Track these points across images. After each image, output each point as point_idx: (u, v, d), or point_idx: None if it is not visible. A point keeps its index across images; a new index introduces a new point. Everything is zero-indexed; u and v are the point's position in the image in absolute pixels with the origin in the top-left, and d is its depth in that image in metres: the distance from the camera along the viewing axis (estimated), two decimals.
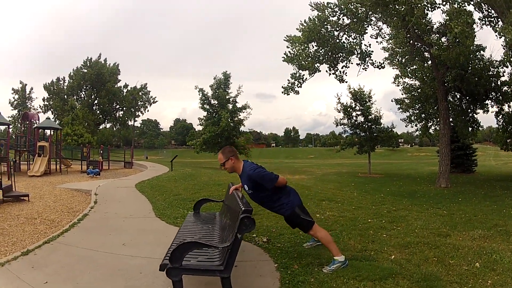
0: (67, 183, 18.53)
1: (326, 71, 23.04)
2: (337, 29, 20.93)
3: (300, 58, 21.29)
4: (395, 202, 13.04)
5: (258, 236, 7.33)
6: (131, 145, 57.21)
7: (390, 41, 24.72)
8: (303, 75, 22.42)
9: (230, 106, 43.31)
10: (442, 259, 5.97)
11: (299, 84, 22.64)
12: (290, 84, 22.78)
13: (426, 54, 23.57)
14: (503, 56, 23.25)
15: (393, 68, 27.38)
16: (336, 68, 22.96)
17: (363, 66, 23.16)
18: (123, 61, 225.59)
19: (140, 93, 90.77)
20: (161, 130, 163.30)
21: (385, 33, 23.51)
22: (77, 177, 22.50)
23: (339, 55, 22.28)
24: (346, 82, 23.92)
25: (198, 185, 15.54)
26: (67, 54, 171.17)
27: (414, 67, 26.58)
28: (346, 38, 21.79)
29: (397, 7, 18.28)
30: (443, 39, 21.62)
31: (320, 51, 21.63)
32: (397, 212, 10.34)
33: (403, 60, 25.89)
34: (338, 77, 23.35)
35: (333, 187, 18.55)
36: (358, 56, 22.71)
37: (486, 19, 19.24)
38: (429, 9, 19.28)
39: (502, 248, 6.59)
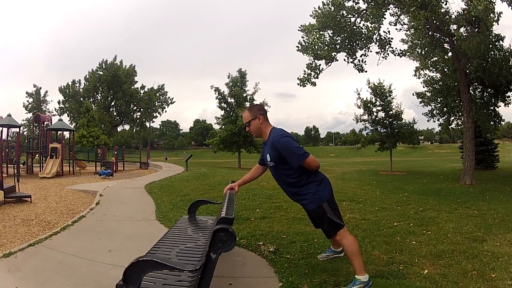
0: (76, 184, 18.12)
1: (344, 59, 22.01)
2: (354, 14, 19.96)
3: (316, 47, 20.32)
4: (421, 201, 12.21)
5: (265, 244, 6.26)
6: (148, 146, 56.89)
7: (409, 32, 23.71)
8: (319, 65, 21.43)
9: (247, 104, 42.49)
10: (482, 272, 5.03)
11: (316, 75, 21.55)
12: (306, 75, 21.69)
13: (446, 45, 22.56)
14: None
15: (413, 60, 26.28)
16: (354, 57, 21.88)
17: (383, 54, 22.15)
18: (145, 63, 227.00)
19: (157, 94, 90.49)
20: (181, 131, 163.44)
21: (403, 20, 22.46)
22: (89, 178, 22.23)
23: (357, 42, 21.24)
24: (366, 71, 22.56)
25: (210, 185, 14.68)
26: (83, 58, 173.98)
27: (435, 59, 25.47)
28: (363, 24, 20.80)
29: None
30: (462, 29, 20.77)
31: (337, 39, 20.66)
32: (425, 213, 9.45)
33: (423, 52, 24.77)
34: (357, 66, 22.24)
35: (354, 186, 17.61)
36: (377, 43, 21.71)
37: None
38: None
39: None
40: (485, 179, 22.01)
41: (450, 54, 23.19)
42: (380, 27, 20.58)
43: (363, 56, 22.04)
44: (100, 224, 8.38)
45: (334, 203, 4.68)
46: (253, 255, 5.84)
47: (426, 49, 24.00)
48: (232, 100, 43.17)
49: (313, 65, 21.33)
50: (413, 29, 22.53)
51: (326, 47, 20.37)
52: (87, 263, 5.54)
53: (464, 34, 20.16)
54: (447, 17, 20.09)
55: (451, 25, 20.50)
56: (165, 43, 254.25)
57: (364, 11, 19.75)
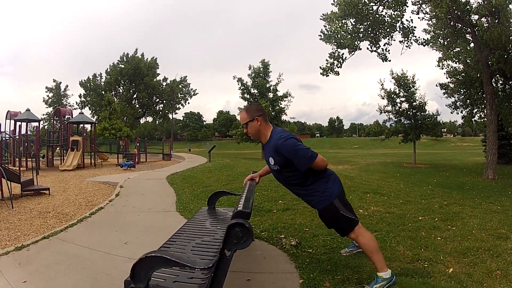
0: (97, 176, 18.20)
1: (368, 48, 21.89)
2: (376, 2, 19.73)
3: (338, 35, 20.13)
4: (445, 195, 11.91)
5: (287, 237, 6.09)
6: (170, 137, 57.16)
7: (431, 22, 23.34)
8: (343, 54, 21.29)
9: (271, 95, 42.56)
10: (506, 272, 4.84)
11: (339, 64, 21.48)
12: (329, 65, 21.58)
13: (468, 36, 22.29)
14: None
15: (435, 51, 25.86)
16: (378, 45, 21.72)
17: (407, 43, 22.03)
18: (168, 57, 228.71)
19: (180, 86, 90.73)
20: (204, 122, 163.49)
21: (425, 9, 22.08)
22: (111, 170, 22.31)
23: (380, 31, 21.01)
24: (390, 61, 22.53)
25: (232, 176, 14.47)
26: (103, 53, 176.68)
27: (457, 49, 25.04)
28: (385, 12, 20.56)
29: None
30: (483, 20, 20.24)
31: (359, 27, 20.43)
32: (449, 208, 9.16)
33: (445, 43, 24.35)
34: (380, 55, 22.12)
35: (377, 177, 17.40)
36: (401, 32, 21.47)
37: None
38: None
39: None
40: (507, 174, 21.85)
41: (472, 45, 22.83)
42: (403, 15, 20.33)
43: (386, 45, 21.90)
44: (118, 216, 8.33)
45: (345, 198, 4.42)
46: (274, 248, 5.68)
47: (448, 39, 23.61)
48: (255, 91, 43.08)
49: (336, 54, 21.16)
50: (435, 19, 22.17)
51: (349, 36, 20.20)
52: (101, 256, 5.46)
53: (485, 25, 19.75)
54: (468, 7, 19.73)
55: (472, 15, 20.14)
56: (188, 37, 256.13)
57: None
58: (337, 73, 21.52)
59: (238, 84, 43.15)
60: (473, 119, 29.16)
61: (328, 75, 21.61)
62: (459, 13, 19.12)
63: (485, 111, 22.14)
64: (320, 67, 21.66)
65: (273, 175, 4.64)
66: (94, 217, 8.09)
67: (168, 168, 21.17)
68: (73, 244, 6.05)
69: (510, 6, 18.14)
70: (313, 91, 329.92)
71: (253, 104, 4.48)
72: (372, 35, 20.90)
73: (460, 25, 21.26)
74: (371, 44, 21.52)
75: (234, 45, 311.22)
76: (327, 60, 21.48)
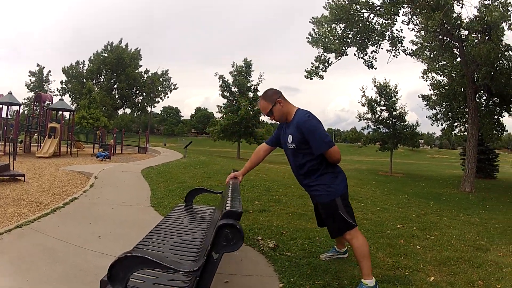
0: (73, 165, 17.88)
1: (354, 54, 21.85)
2: (367, 9, 19.71)
3: (326, 39, 20.06)
4: (422, 205, 11.95)
5: (264, 239, 5.98)
6: (147, 130, 56.82)
7: (419, 34, 23.47)
8: (329, 58, 21.21)
9: (251, 94, 42.59)
10: (488, 283, 4.85)
11: (324, 68, 21.30)
12: (314, 68, 21.42)
13: (455, 50, 22.55)
14: None
15: (421, 62, 26.06)
16: (365, 52, 21.72)
17: (394, 52, 22.08)
18: (151, 49, 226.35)
19: (161, 79, 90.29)
20: (182, 118, 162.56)
21: (416, 21, 22.21)
22: (86, 160, 22.13)
23: (369, 38, 21.06)
24: (375, 68, 22.51)
25: (208, 173, 14.38)
26: (89, 40, 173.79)
27: (443, 62, 25.24)
28: (376, 20, 20.61)
29: None
30: (473, 35, 20.51)
31: (348, 33, 20.44)
32: (427, 217, 9.18)
33: (432, 55, 24.60)
34: (367, 62, 22.12)
35: (353, 184, 17.33)
36: (389, 41, 21.57)
37: None
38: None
39: None
40: (484, 188, 22.07)
41: (458, 59, 23.05)
42: (394, 24, 20.43)
43: (373, 52, 21.91)
44: (92, 207, 8.13)
45: (348, 200, 4.35)
46: (251, 250, 5.56)
47: (435, 52, 23.82)
48: (236, 90, 43.06)
49: (322, 58, 21.09)
50: (423, 31, 22.33)
51: (337, 40, 20.15)
52: (74, 250, 5.24)
53: (475, 40, 20.01)
54: (459, 22, 19.91)
55: (462, 30, 20.38)
56: (172, 30, 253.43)
57: (378, 7, 19.53)
58: (322, 77, 21.44)
59: (219, 81, 43.16)
60: (453, 132, 29.49)
61: (312, 78, 21.52)
62: (449, 27, 19.26)
63: (467, 125, 22.41)
64: (305, 70, 21.56)
65: (288, 159, 4.55)
66: (68, 207, 7.88)
67: (143, 162, 21.14)
68: (46, 235, 5.82)
69: (503, 24, 18.30)
70: (292, 93, 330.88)
71: (267, 90, 4.30)
72: (360, 41, 20.94)
73: (448, 39, 21.50)
74: (359, 51, 21.57)
75: (219, 42, 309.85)
76: (312, 63, 21.40)
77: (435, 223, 8.47)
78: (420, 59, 25.02)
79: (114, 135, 31.79)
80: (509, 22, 17.66)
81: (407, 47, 22.55)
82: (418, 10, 18.97)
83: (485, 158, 31.88)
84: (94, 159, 22.63)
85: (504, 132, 28.06)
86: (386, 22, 20.04)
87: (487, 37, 18.55)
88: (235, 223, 2.69)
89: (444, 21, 18.35)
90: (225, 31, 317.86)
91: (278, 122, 4.58)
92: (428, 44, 23.62)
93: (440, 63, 25.31)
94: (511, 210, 13.54)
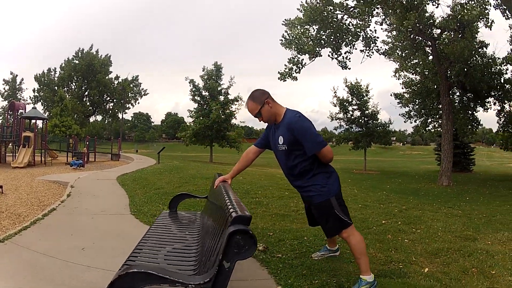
0: (48, 174, 17.63)
1: (328, 55, 21.97)
2: (342, 10, 19.85)
3: (299, 41, 20.14)
4: (402, 200, 12.07)
5: None
6: (119, 137, 56.28)
7: (390, 34, 23.77)
8: (302, 59, 21.26)
9: (222, 97, 42.48)
10: (482, 270, 5.00)
11: (298, 70, 21.36)
12: (287, 70, 21.47)
13: (427, 48, 22.88)
14: (509, 52, 22.91)
15: (392, 61, 26.34)
16: (339, 53, 21.86)
17: (368, 52, 22.33)
18: (121, 54, 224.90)
19: (131, 85, 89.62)
20: (153, 123, 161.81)
21: (390, 20, 22.41)
22: (60, 169, 21.70)
23: (343, 38, 21.23)
24: (349, 69, 22.73)
25: (184, 179, 14.37)
26: (61, 46, 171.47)
27: (415, 61, 25.69)
28: (350, 22, 20.86)
29: None
30: (446, 34, 21.05)
31: (323, 34, 20.51)
32: (410, 212, 9.32)
33: (403, 54, 24.82)
34: (341, 63, 22.29)
35: None
36: (363, 41, 21.79)
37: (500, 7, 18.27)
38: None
39: None
40: (462, 181, 22.35)
41: (431, 57, 23.45)
42: (369, 25, 20.69)
43: (347, 53, 22.10)
44: (71, 218, 7.88)
45: (342, 199, 4.28)
46: None
47: (406, 51, 24.08)
48: (206, 93, 42.79)
49: (296, 59, 21.14)
50: (395, 31, 22.58)
51: (311, 42, 20.22)
52: (58, 264, 4.99)
53: (447, 39, 20.45)
54: (431, 21, 20.23)
55: (435, 29, 20.69)
56: (143, 35, 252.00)
57: (352, 8, 19.71)
58: (295, 78, 21.52)
59: (190, 86, 42.66)
60: (427, 128, 30.13)
61: (286, 80, 21.58)
62: (421, 26, 19.47)
63: (441, 121, 22.66)
64: (279, 72, 21.61)
65: (278, 161, 4.45)
66: (47, 219, 7.62)
67: (118, 169, 21.07)
68: (28, 249, 5.57)
69: (478, 22, 18.73)
70: None
71: (255, 91, 4.15)
72: (334, 42, 21.06)
73: (420, 38, 21.77)
74: (333, 52, 21.71)
75: (188, 46, 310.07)
76: (285, 65, 21.46)
77: (419, 217, 8.57)
78: (392, 58, 25.30)
79: (87, 143, 31.39)
80: (486, 19, 17.94)
81: (380, 47, 22.98)
82: (391, 11, 19.12)
83: (461, 152, 32.41)
84: (69, 168, 22.30)
85: (479, 126, 28.72)
86: (361, 23, 20.21)
87: (460, 35, 18.90)
88: (247, 228, 2.52)
89: (417, 20, 18.55)
90: (193, 37, 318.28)
91: (266, 123, 4.44)
92: (400, 44, 23.92)
93: (412, 62, 25.76)
94: (492, 201, 13.66)
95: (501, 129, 28.23)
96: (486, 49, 23.45)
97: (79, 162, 22.86)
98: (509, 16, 17.56)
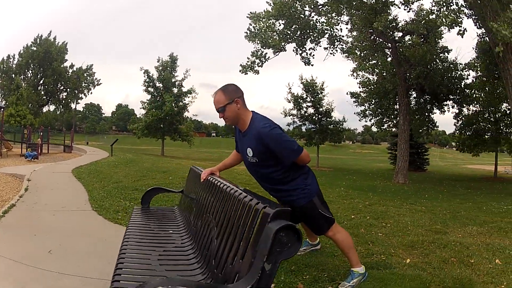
0: (4, 166, 16.99)
1: (293, 50, 22.13)
2: (312, 7, 19.97)
3: (265, 35, 20.18)
4: (362, 196, 12.11)
5: None
6: (72, 128, 55.01)
7: (350, 33, 24.15)
8: (266, 53, 21.31)
9: (176, 90, 42.43)
10: (461, 259, 5.25)
11: (260, 63, 21.34)
12: (249, 63, 21.39)
13: (387, 50, 23.53)
14: (472, 59, 24.69)
15: (350, 61, 26.66)
16: (303, 48, 22.03)
17: (331, 50, 22.70)
18: (74, 42, 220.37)
19: (85, 74, 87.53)
20: (103, 115, 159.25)
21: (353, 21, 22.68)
22: (16, 161, 21.37)
23: (309, 35, 21.39)
24: (312, 65, 22.99)
25: (140, 172, 14.12)
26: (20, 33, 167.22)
27: (373, 62, 26.21)
28: (317, 19, 21.04)
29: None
30: (410, 37, 21.67)
31: (290, 29, 20.57)
32: (374, 207, 9.45)
33: (362, 54, 25.21)
34: (304, 59, 22.51)
35: None
36: (328, 39, 22.06)
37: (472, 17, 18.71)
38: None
39: (509, 244, 6.20)
40: (417, 180, 22.97)
41: (389, 59, 24.04)
42: (338, 23, 21.02)
43: (311, 49, 22.32)
44: (32, 215, 7.33)
45: (322, 196, 4.14)
46: None
47: (365, 51, 24.49)
48: (160, 85, 42.47)
49: (259, 53, 21.12)
50: (355, 32, 22.96)
51: (277, 36, 20.31)
52: (27, 272, 4.40)
53: (412, 41, 20.98)
54: (393, 24, 20.67)
55: (396, 32, 21.22)
56: (99, 24, 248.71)
57: (321, 6, 19.89)
58: (257, 72, 21.46)
59: (144, 76, 42.42)
60: (382, 128, 30.86)
61: (247, 73, 21.49)
62: (382, 29, 19.73)
63: (398, 122, 23.28)
64: (241, 65, 21.45)
65: (248, 170, 4.15)
66: (8, 216, 7.04)
67: (72, 161, 20.55)
68: None
69: (441, 27, 19.15)
70: (213, 90, 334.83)
71: (229, 84, 3.75)
72: (301, 38, 21.20)
73: (381, 40, 22.25)
74: (297, 47, 21.86)
75: (144, 36, 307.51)
76: (248, 58, 21.37)
77: (384, 212, 8.72)
78: (350, 58, 25.62)
79: (41, 134, 30.74)
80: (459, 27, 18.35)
81: (344, 45, 23.28)
82: (355, 11, 19.34)
83: (415, 152, 33.55)
84: (23, 160, 21.93)
85: (435, 128, 30.18)
86: (329, 21, 20.37)
87: (423, 40, 19.44)
88: (292, 224, 2.17)
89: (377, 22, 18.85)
90: (146, 29, 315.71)
91: (227, 123, 3.97)
92: (359, 44, 24.27)
93: (370, 62, 26.21)
94: (452, 199, 14.08)
95: (457, 131, 29.51)
96: (448, 54, 24.39)
97: (34, 154, 22.55)
98: (481, 26, 17.91)
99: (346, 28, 22.98)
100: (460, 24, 16.07)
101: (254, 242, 2.23)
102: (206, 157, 43.75)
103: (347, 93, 30.59)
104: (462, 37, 17.55)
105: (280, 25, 20.53)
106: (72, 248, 5.34)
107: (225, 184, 3.55)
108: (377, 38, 22.11)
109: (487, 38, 17.63)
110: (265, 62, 21.31)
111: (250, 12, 20.28)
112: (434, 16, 16.69)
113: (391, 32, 20.70)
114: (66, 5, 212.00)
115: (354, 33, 23.40)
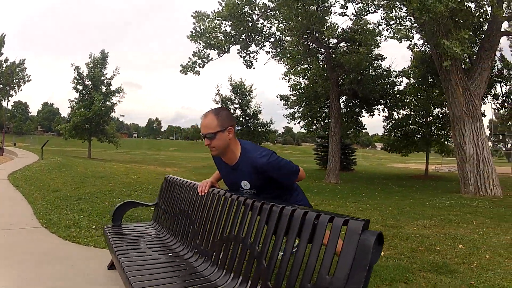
0: None
1: (237, 53, 22.35)
2: (262, 10, 20.28)
3: (210, 35, 20.07)
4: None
5: None
6: (2, 129, 51.75)
7: (284, 37, 24.25)
8: (208, 54, 21.17)
9: (104, 88, 41.19)
10: (427, 247, 5.78)
11: (202, 64, 21.20)
12: (190, 63, 21.18)
13: (320, 55, 24.06)
14: (407, 67, 26.83)
15: (282, 65, 26.93)
16: (248, 51, 22.27)
17: (273, 53, 23.29)
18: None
19: (17, 70, 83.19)
20: (30, 114, 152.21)
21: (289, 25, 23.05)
22: None
23: (255, 38, 21.72)
24: (254, 68, 23.35)
25: (77, 178, 13.18)
26: None
27: (305, 66, 26.68)
28: (262, 23, 21.36)
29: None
30: (342, 44, 22.71)
31: (237, 31, 20.63)
32: (322, 207, 9.90)
33: (294, 59, 25.33)
34: (246, 62, 22.79)
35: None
36: (271, 43, 22.49)
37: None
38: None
39: (464, 233, 6.86)
40: (347, 179, 23.76)
41: (321, 63, 24.66)
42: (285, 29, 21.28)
43: (254, 53, 22.69)
44: None
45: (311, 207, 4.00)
46: None
47: (298, 56, 24.64)
48: (90, 83, 40.87)
49: (202, 53, 20.99)
50: (289, 36, 23.14)
51: (223, 37, 20.35)
52: None
53: (343, 49, 22.12)
54: (330, 31, 20.90)
55: (331, 39, 21.59)
56: (33, 16, 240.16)
57: (269, 11, 20.15)
58: (198, 73, 21.29)
59: (74, 73, 40.44)
60: (311, 130, 31.61)
61: (187, 74, 21.34)
62: (317, 34, 20.23)
63: (330, 124, 23.73)
64: (181, 65, 21.21)
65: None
66: None
67: (4, 166, 19.40)
68: None
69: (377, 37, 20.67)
70: (134, 89, 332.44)
71: (222, 108, 3.44)
72: (248, 41, 21.45)
73: (315, 45, 22.64)
74: (241, 50, 22.08)
75: (76, 31, 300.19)
76: (190, 58, 21.19)
77: (334, 210, 9.04)
78: (281, 61, 25.82)
79: None
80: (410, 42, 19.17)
81: (287, 49, 23.31)
82: (293, 16, 19.61)
83: (342, 153, 33.98)
84: None
85: (363, 130, 31.34)
86: (278, 26, 20.77)
87: (359, 47, 19.96)
88: (381, 232, 2.15)
89: (314, 28, 19.13)
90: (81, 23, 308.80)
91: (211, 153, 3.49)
92: (291, 48, 24.39)
93: (302, 66, 26.72)
94: (390, 196, 14.51)
95: (386, 133, 31.19)
96: (383, 61, 25.77)
97: None
98: (428, 41, 18.58)
99: (283, 32, 23.19)
100: (411, 39, 16.82)
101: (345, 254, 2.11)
102: (130, 159, 43.17)
103: (277, 96, 31.05)
104: (412, 51, 18.30)
105: (225, 26, 20.58)
106: (45, 276, 4.30)
107: (246, 190, 3.44)
108: (311, 44, 22.53)
109: (430, 52, 18.71)
110: (207, 63, 21.23)
111: (196, 11, 20.12)
112: (382, 27, 18.03)
113: (325, 39, 21.11)
114: None
115: (288, 38, 23.52)
